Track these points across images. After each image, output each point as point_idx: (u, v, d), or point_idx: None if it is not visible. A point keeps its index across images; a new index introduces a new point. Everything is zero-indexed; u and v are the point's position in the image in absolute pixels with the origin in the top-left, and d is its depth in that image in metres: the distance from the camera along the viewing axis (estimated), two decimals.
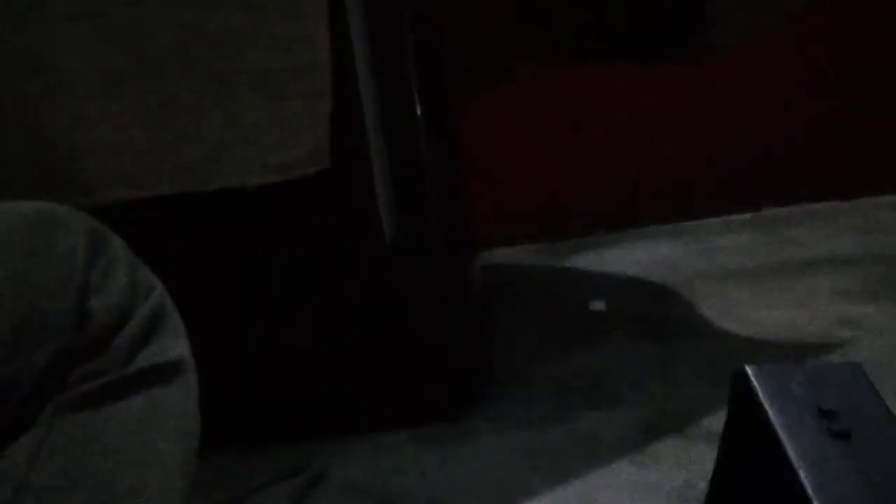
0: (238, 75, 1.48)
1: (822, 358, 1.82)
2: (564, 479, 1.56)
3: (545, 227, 2.61)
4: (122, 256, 0.93)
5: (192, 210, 1.55)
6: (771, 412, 0.98)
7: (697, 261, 2.39)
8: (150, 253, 0.98)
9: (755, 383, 1.01)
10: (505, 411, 1.79)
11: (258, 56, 1.48)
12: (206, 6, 1.45)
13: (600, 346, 1.99)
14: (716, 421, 1.47)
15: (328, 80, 1.50)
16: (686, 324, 2.05)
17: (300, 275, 1.72)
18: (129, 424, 0.88)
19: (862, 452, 0.95)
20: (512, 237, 2.59)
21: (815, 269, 2.24)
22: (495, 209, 2.51)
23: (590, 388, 1.83)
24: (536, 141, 2.57)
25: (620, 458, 1.60)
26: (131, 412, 0.88)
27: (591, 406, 1.77)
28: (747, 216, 2.61)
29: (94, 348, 0.88)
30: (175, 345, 0.93)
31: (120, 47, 1.45)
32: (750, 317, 2.04)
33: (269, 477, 1.63)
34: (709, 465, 1.10)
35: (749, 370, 1.02)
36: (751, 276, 2.26)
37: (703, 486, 1.24)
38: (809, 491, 0.91)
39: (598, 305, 2.17)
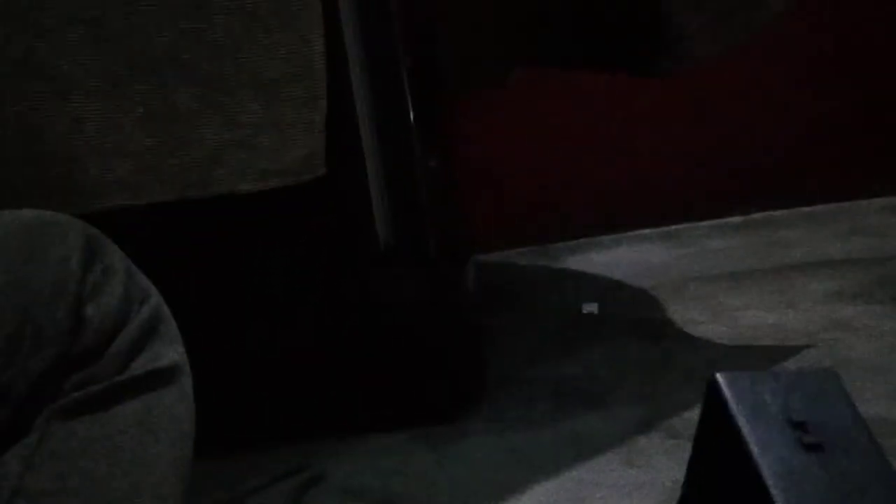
0: (235, 81, 1.48)
1: (813, 360, 1.82)
2: (559, 478, 1.57)
3: (538, 229, 2.61)
4: (118, 263, 0.94)
5: (191, 211, 1.56)
6: (742, 423, 0.97)
7: (689, 263, 2.39)
8: (149, 254, 0.99)
9: (727, 392, 1.00)
10: (501, 412, 1.79)
11: (255, 62, 1.48)
12: (204, 12, 1.46)
13: (594, 348, 2.00)
14: None
15: (324, 86, 1.51)
16: (678, 326, 2.06)
17: (299, 276, 1.74)
18: (123, 429, 0.89)
19: (833, 465, 0.94)
20: (506, 239, 2.59)
21: (806, 271, 2.24)
22: (490, 211, 2.51)
23: (584, 390, 1.84)
24: (530, 143, 2.58)
25: (613, 458, 1.61)
26: (126, 417, 0.89)
27: (585, 407, 1.78)
28: (738, 219, 2.61)
29: (89, 355, 0.89)
30: (170, 351, 0.94)
31: (118, 52, 1.46)
32: (741, 319, 2.05)
33: (268, 477, 1.63)
34: None
35: (721, 378, 1.00)
36: (742, 278, 2.26)
37: None
38: None
39: (592, 308, 2.17)
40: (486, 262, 2.44)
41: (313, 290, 1.74)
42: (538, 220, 2.62)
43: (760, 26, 1.81)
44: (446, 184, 1.90)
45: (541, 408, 1.80)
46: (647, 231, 2.60)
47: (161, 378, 0.92)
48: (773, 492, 0.91)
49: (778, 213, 2.60)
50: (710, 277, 2.28)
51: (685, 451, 1.58)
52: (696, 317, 2.09)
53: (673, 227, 2.59)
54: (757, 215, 2.61)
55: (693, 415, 1.67)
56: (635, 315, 2.14)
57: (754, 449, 0.95)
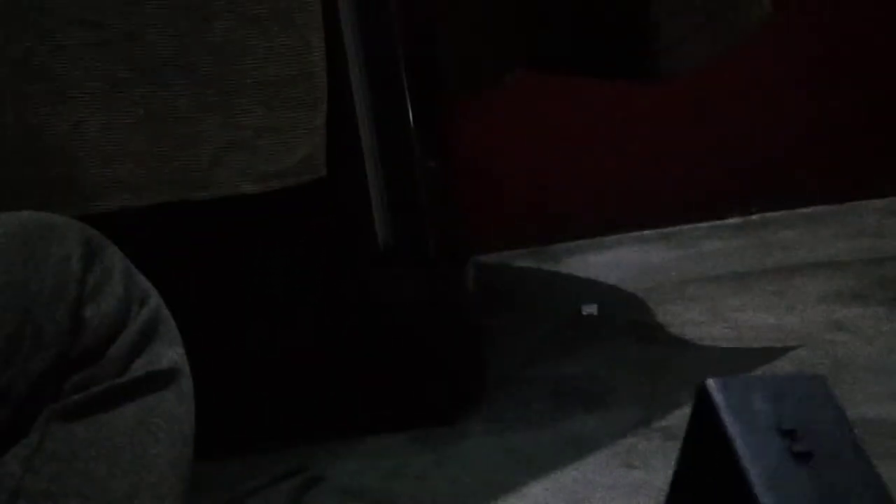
0: (236, 83, 1.49)
1: (812, 361, 1.82)
2: (557, 479, 1.57)
3: (537, 230, 2.61)
4: (118, 265, 0.94)
5: (191, 212, 1.56)
6: (732, 431, 0.96)
7: (689, 264, 2.39)
8: (149, 255, 0.99)
9: (716, 399, 0.99)
10: (500, 413, 1.80)
11: (256, 64, 1.49)
12: (204, 15, 1.47)
13: (593, 349, 2.00)
14: None
15: (324, 88, 1.52)
16: (677, 327, 2.06)
17: (299, 277, 1.74)
18: (123, 431, 0.89)
19: (822, 474, 0.93)
20: (505, 240, 2.59)
21: (804, 272, 2.24)
22: (489, 212, 2.51)
23: (583, 391, 1.84)
24: (530, 143, 2.58)
25: (612, 459, 1.61)
26: (125, 419, 0.90)
27: (583, 408, 1.78)
28: (737, 220, 2.61)
29: (89, 357, 0.89)
30: (169, 352, 0.95)
31: (119, 55, 1.46)
32: (739, 320, 2.05)
33: (268, 477, 1.63)
34: None
35: (710, 384, 0.99)
36: (740, 279, 2.26)
37: None
38: None
39: (591, 309, 2.18)
40: (485, 262, 2.44)
41: (313, 291, 1.75)
42: (538, 221, 2.62)
43: (758, 25, 1.81)
44: (446, 184, 1.90)
45: (540, 408, 1.80)
46: (646, 232, 2.60)
47: (161, 379, 0.93)
48: (762, 501, 0.90)
49: (777, 213, 2.60)
50: (710, 278, 2.28)
51: None
52: (695, 318, 2.09)
53: (672, 228, 2.59)
54: (756, 216, 2.61)
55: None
56: (634, 316, 2.14)
57: (744, 457, 0.94)
